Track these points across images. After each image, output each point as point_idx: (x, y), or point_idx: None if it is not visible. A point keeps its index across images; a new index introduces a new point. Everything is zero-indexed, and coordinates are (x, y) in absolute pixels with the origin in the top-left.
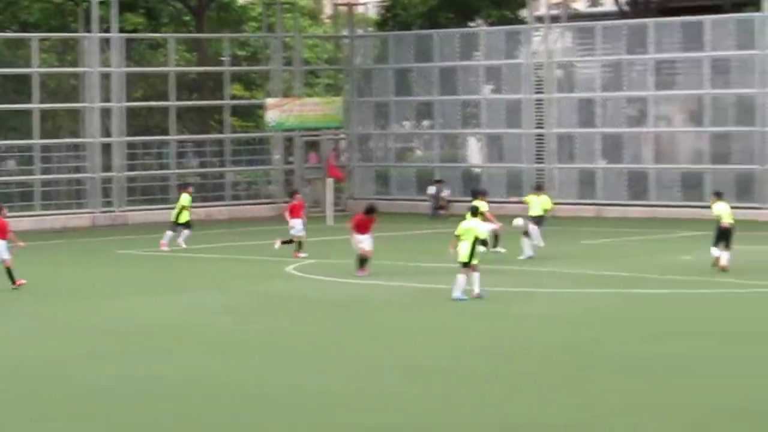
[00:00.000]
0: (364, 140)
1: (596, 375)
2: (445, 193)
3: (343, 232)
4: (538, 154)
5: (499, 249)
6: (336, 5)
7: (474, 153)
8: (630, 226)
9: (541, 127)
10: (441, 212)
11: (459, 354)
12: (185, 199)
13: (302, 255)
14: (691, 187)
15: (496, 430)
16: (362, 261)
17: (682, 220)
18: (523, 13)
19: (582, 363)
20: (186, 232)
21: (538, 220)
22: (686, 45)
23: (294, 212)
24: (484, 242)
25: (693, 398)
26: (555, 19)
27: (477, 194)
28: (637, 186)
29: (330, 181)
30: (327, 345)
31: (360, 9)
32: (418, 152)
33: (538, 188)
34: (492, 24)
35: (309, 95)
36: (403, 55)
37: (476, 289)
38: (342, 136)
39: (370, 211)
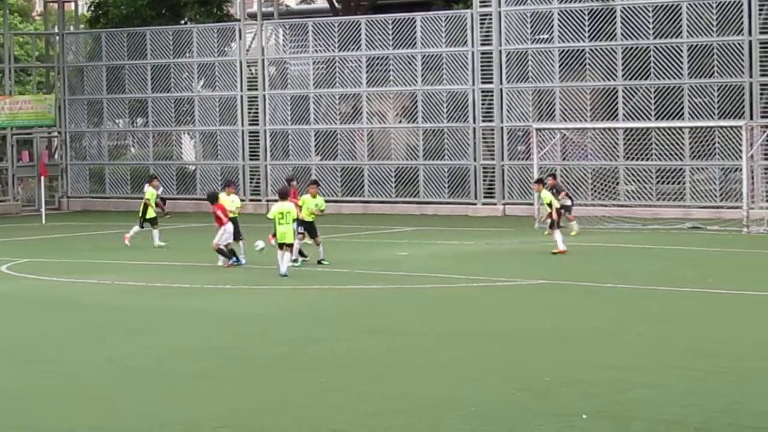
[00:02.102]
0: (77, 138)
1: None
2: (160, 190)
3: (57, 231)
4: (252, 151)
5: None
6: (46, 2)
7: (188, 150)
8: (344, 222)
9: (256, 124)
10: (157, 210)
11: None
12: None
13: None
14: (405, 182)
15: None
16: None
17: (396, 215)
18: (230, 8)
19: (276, 361)
20: None
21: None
22: (398, 41)
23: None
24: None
25: (405, 391)
26: (267, 16)
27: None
28: (352, 182)
29: (43, 179)
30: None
31: (71, 6)
32: (133, 150)
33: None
34: (199, 21)
35: (21, 93)
36: (116, 52)
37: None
38: (55, 134)
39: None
